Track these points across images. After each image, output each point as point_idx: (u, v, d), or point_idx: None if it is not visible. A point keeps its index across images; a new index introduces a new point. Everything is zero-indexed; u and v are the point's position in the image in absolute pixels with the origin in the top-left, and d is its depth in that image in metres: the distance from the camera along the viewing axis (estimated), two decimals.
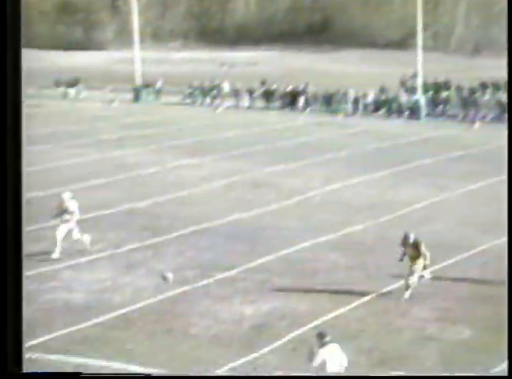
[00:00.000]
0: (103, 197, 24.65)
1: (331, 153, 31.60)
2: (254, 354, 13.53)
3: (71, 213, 18.76)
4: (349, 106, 42.66)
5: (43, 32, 74.92)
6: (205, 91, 46.91)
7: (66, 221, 18.75)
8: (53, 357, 13.55)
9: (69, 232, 18.85)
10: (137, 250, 19.36)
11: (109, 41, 77.02)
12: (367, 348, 13.92)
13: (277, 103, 44.94)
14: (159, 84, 48.28)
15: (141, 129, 37.72)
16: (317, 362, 11.48)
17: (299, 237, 20.29)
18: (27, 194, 27.73)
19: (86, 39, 77.76)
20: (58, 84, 50.13)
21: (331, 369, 11.48)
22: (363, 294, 16.29)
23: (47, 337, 14.34)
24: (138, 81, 48.38)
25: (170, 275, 16.21)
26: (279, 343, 14.14)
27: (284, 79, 48.07)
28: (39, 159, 29.96)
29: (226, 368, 13.09)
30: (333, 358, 11.54)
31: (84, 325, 14.86)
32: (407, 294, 16.18)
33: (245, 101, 45.57)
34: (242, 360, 13.38)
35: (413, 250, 16.28)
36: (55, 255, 18.55)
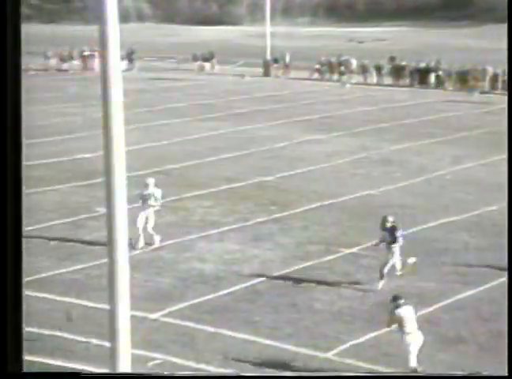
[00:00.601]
0: (234, 169, 25.36)
1: (463, 132, 31.13)
2: (377, 332, 13.68)
3: (155, 199, 17.96)
4: (486, 84, 41.61)
5: (182, 8, 76.72)
6: (332, 67, 46.92)
7: (148, 207, 17.90)
8: (188, 323, 14.25)
9: (146, 220, 17.95)
10: (264, 224, 19.89)
11: (242, 16, 77.98)
12: (498, 331, 13.62)
13: (407, 80, 44.42)
14: (287, 59, 48.65)
15: (271, 104, 38.26)
16: (394, 322, 12.24)
17: (427, 215, 20.25)
18: (166, 166, 28.57)
19: (221, 14, 79.02)
20: (195, 58, 51.54)
21: (409, 329, 12.14)
22: (494, 276, 16.08)
23: (182, 305, 15.05)
24: (268, 56, 48.93)
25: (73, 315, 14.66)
26: None
27: (415, 56, 47.42)
28: (175, 132, 31.04)
29: (348, 345, 13.36)
30: (410, 318, 12.22)
31: (214, 295, 15.52)
32: (380, 285, 15.48)
33: (373, 77, 45.29)
34: (366, 337, 13.62)
35: (390, 235, 15.57)
36: (140, 244, 17.88)
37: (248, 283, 16.02)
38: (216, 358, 12.95)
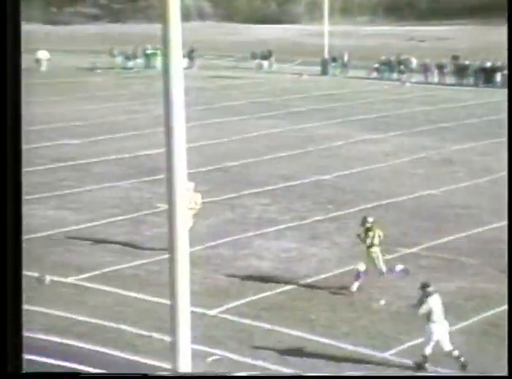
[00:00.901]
0: (291, 168, 25.39)
1: None
2: None
3: (196, 203, 17.38)
4: None
5: (242, 7, 77.09)
6: (392, 66, 46.57)
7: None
8: (245, 320, 14.35)
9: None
10: (321, 222, 19.88)
11: (301, 15, 77.95)
12: None
13: (471, 80, 43.77)
14: (345, 58, 48.46)
15: (328, 103, 38.16)
16: (424, 309, 12.43)
17: (492, 216, 19.94)
18: (224, 163, 28.75)
19: (280, 12, 79.15)
20: (253, 56, 51.77)
21: (436, 318, 12.34)
22: None
23: (239, 302, 15.17)
24: (326, 55, 48.82)
25: (47, 278, 15.74)
26: (465, 323, 14.10)
27: (478, 55, 46.74)
28: (234, 130, 31.21)
29: (406, 345, 13.28)
30: (438, 307, 12.43)
31: (271, 293, 15.57)
32: (354, 287, 15.33)
33: (434, 76, 44.81)
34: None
35: (368, 235, 15.36)
36: None
37: (305, 282, 16.03)
38: (272, 355, 13.00)
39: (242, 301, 15.20)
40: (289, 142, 29.13)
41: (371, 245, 15.41)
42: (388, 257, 17.27)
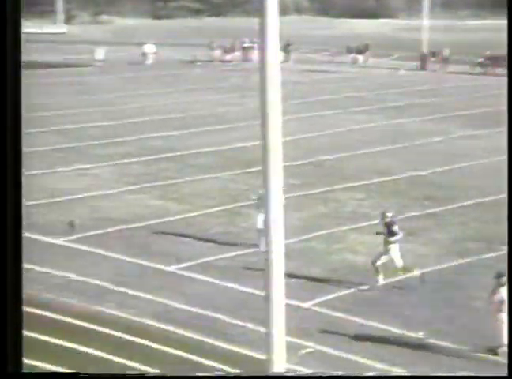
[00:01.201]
0: (386, 163, 25.17)
1: None
2: None
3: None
4: None
5: (339, 1, 76.86)
6: (497, 61, 45.36)
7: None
8: (338, 314, 14.34)
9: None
10: (417, 218, 19.62)
11: (399, 9, 77.04)
12: None
13: None
14: (446, 53, 47.59)
15: (427, 98, 37.59)
16: (497, 298, 12.46)
17: None
18: (318, 157, 28.63)
19: (378, 7, 78.43)
20: (349, 50, 51.49)
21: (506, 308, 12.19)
22: None
23: (333, 296, 15.16)
24: (425, 49, 48.07)
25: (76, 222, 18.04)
26: None
27: None
28: (328, 124, 31.15)
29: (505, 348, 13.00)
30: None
31: (365, 288, 15.50)
32: (380, 279, 15.22)
33: None
34: None
35: (387, 230, 15.32)
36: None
37: (400, 277, 15.86)
38: (367, 350, 12.95)
39: (335, 294, 15.20)
40: (384, 137, 28.85)
41: (390, 236, 15.44)
42: (490, 254, 16.86)
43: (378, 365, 12.46)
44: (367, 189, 22.25)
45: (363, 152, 26.47)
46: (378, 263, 15.47)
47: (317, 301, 14.86)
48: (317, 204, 20.74)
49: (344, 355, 12.79)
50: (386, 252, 15.50)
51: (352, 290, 15.38)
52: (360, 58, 50.53)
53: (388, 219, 15.64)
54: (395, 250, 15.47)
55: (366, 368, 12.29)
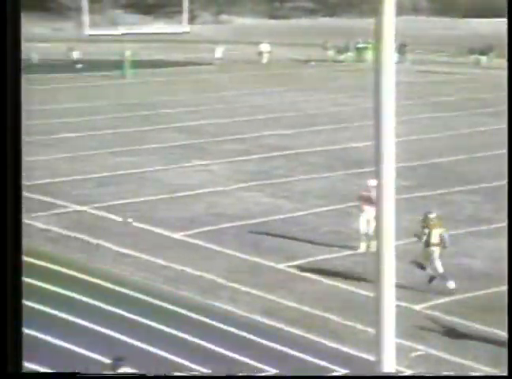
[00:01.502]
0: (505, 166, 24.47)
1: None
2: None
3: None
4: None
5: (460, 1, 75.47)
6: None
7: (368, 211, 16.57)
8: (453, 318, 14.07)
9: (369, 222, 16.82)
10: None
11: None
12: None
13: None
14: None
15: None
16: None
17: None
18: (433, 159, 28.10)
19: (502, 6, 76.48)
20: (471, 51, 50.38)
21: None
22: None
23: (446, 299, 14.90)
24: None
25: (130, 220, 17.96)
26: None
27: None
28: (444, 126, 30.62)
29: None
30: None
31: (482, 292, 15.21)
32: (451, 284, 14.61)
33: None
34: None
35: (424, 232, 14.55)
36: (361, 250, 17.17)
37: None
38: (479, 356, 12.70)
39: (449, 298, 14.95)
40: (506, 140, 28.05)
41: (428, 244, 14.86)
42: None
43: (487, 369, 12.21)
44: (485, 193, 21.79)
45: (483, 155, 25.95)
46: (439, 268, 15.07)
47: (429, 304, 14.66)
48: (431, 207, 20.41)
49: (459, 360, 12.56)
50: (429, 255, 15.13)
51: (466, 294, 15.09)
52: (483, 58, 49.29)
53: (432, 222, 15.10)
54: (436, 254, 15.12)
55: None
